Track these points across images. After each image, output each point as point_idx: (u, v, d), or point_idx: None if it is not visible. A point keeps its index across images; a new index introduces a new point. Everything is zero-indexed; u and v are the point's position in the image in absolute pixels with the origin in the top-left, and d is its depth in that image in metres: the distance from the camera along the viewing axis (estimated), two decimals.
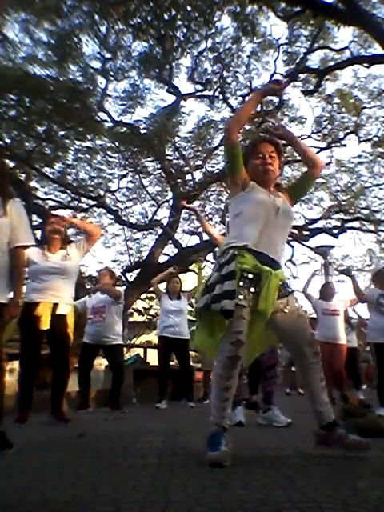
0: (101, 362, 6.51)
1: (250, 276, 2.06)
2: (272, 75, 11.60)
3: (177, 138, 11.96)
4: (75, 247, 3.77)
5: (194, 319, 6.11)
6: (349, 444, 2.03)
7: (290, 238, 11.67)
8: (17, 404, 3.55)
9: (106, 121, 11.39)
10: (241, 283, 2.03)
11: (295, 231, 12.70)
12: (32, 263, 3.55)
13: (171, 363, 6.06)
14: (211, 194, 12.88)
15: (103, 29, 10.50)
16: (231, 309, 1.97)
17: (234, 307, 1.98)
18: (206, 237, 12.56)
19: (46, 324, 3.48)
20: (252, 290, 2.05)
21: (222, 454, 1.87)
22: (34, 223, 9.44)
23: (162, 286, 6.30)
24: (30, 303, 3.51)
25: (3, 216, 2.33)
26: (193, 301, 6.37)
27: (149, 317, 13.98)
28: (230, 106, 11.87)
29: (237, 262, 2.06)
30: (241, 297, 2.01)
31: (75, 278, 3.75)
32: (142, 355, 8.61)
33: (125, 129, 11.51)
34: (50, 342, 3.60)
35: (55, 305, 3.53)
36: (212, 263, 14.02)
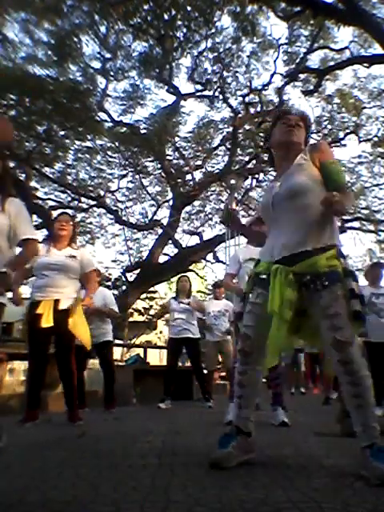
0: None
1: (264, 277, 1.95)
2: (272, 75, 11.63)
3: (177, 138, 11.97)
4: (85, 255, 3.79)
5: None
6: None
7: None
8: (25, 403, 3.53)
9: (106, 121, 11.40)
10: (255, 285, 2.00)
11: None
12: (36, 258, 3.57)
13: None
14: (211, 194, 12.88)
15: (103, 29, 10.51)
16: (240, 311, 2.12)
17: (242, 309, 2.04)
18: (205, 237, 12.60)
19: (47, 321, 3.46)
20: (263, 290, 1.93)
21: (221, 455, 1.84)
22: (34, 223, 9.45)
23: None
24: (34, 302, 3.54)
25: (1, 212, 2.31)
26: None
27: (149, 317, 13.99)
28: (230, 106, 11.88)
29: (254, 267, 2.08)
30: (251, 296, 2.00)
31: (79, 276, 3.75)
32: (141, 355, 8.60)
33: (125, 129, 11.52)
34: (55, 339, 3.60)
35: (57, 301, 3.54)
36: (212, 263, 14.06)
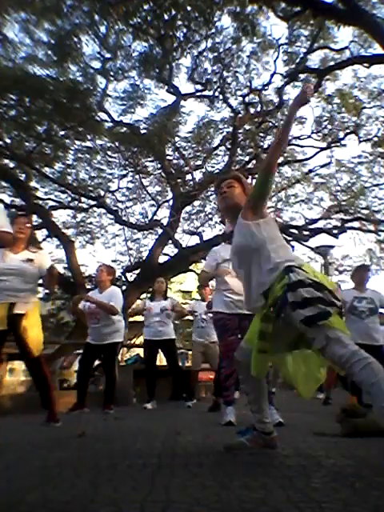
0: None
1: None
2: (272, 75, 11.63)
3: (177, 138, 11.97)
4: (43, 258, 3.72)
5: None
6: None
7: (289, 238, 11.66)
8: None
9: (106, 121, 11.40)
10: None
11: (295, 231, 12.70)
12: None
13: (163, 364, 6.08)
14: (211, 194, 12.87)
15: (103, 29, 10.51)
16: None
17: None
18: (205, 237, 12.60)
19: (2, 324, 3.46)
20: None
21: (234, 443, 2.23)
22: (34, 223, 9.45)
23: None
24: None
25: None
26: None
27: None
28: (230, 106, 11.88)
29: None
30: None
31: (37, 280, 3.71)
32: (141, 355, 8.60)
33: (125, 129, 11.52)
34: (16, 342, 3.60)
35: (12, 305, 3.50)
36: None
